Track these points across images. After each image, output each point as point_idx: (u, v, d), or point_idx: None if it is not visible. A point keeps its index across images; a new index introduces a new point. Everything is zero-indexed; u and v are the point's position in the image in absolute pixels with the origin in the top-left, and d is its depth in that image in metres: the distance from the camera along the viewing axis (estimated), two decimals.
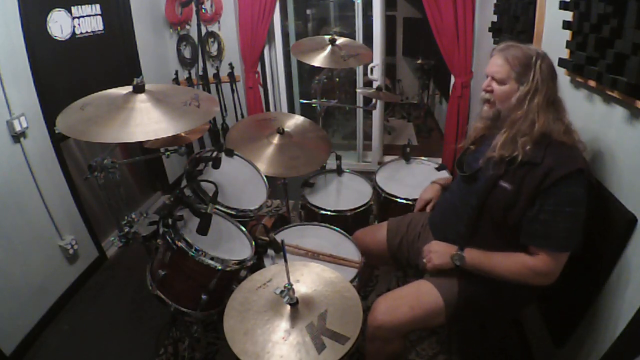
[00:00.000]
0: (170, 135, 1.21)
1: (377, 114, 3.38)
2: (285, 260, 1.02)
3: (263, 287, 1.10)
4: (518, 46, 1.17)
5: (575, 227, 1.07)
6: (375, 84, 3.13)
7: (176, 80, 3.32)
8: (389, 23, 4.23)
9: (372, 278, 2.14)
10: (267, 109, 3.53)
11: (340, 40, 2.20)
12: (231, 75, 3.28)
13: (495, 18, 2.31)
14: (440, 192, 1.59)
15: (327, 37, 2.19)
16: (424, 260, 1.27)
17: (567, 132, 1.12)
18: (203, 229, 1.29)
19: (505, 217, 1.15)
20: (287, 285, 1.00)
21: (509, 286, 1.17)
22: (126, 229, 1.47)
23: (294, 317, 1.00)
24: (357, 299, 1.08)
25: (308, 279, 1.13)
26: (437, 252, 1.26)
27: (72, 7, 2.20)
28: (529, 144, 1.11)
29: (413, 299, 1.25)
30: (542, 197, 1.08)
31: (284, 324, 0.99)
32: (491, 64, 1.21)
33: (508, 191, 1.13)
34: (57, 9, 2.09)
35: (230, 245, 1.48)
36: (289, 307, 1.02)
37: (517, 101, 1.15)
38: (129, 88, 1.32)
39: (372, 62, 3.09)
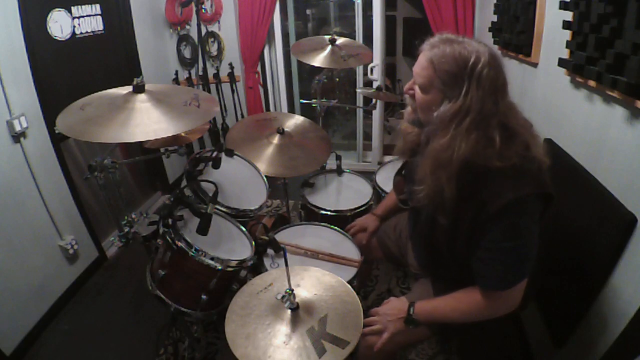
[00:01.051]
0: (170, 135, 1.21)
1: (377, 114, 3.38)
2: (287, 266, 1.03)
3: (264, 292, 1.11)
4: (452, 44, 0.89)
5: (519, 261, 0.95)
6: (375, 84, 3.13)
7: (176, 80, 3.32)
8: (389, 23, 4.22)
9: (371, 277, 2.14)
10: (267, 109, 3.53)
11: (340, 40, 2.21)
12: (231, 75, 3.27)
13: (495, 18, 2.31)
14: (378, 222, 1.57)
15: (327, 37, 2.19)
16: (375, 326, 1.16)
17: (504, 155, 0.88)
18: (203, 229, 1.29)
19: (452, 253, 1.04)
20: (288, 290, 1.01)
21: None
22: (126, 229, 1.48)
23: (295, 322, 1.01)
24: (358, 303, 1.07)
25: (308, 283, 1.13)
26: (389, 320, 1.14)
27: (72, 7, 2.20)
28: (451, 177, 0.90)
29: None
30: (478, 233, 0.95)
31: (284, 329, 0.99)
32: (417, 63, 0.97)
33: (445, 226, 0.99)
34: (57, 9, 2.09)
35: (230, 245, 1.48)
36: (289, 311, 1.02)
37: (440, 122, 0.90)
38: (129, 88, 1.32)
39: (372, 62, 3.09)
